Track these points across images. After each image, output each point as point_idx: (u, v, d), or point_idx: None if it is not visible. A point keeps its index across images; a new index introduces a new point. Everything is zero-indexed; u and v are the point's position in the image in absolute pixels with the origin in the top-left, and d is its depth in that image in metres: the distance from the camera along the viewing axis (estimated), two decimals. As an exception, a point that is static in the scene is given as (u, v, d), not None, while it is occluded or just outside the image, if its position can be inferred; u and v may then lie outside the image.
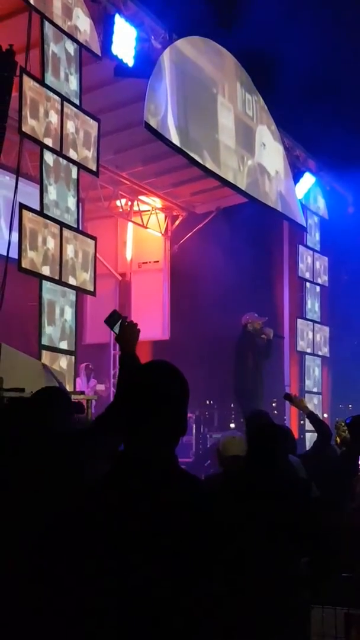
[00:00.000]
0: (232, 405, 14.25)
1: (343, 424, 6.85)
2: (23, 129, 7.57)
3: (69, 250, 8.26)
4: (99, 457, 2.83)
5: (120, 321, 3.43)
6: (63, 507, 2.18)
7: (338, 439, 6.76)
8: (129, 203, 14.98)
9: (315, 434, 6.81)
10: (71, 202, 8.42)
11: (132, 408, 2.06)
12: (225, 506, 2.38)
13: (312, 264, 14.42)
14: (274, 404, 13.10)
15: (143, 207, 15.28)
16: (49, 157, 8.05)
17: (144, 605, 1.83)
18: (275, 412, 12.95)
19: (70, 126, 8.31)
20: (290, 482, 3.43)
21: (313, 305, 14.46)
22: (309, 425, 12.08)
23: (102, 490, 2.00)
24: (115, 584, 1.85)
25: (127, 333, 3.41)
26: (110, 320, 3.47)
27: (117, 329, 3.42)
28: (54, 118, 8.05)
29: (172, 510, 1.91)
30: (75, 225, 8.47)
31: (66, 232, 8.20)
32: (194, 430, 12.42)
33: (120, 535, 1.87)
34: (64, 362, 8.08)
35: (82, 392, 9.55)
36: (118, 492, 1.95)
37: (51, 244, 7.97)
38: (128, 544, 1.86)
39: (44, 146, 7.94)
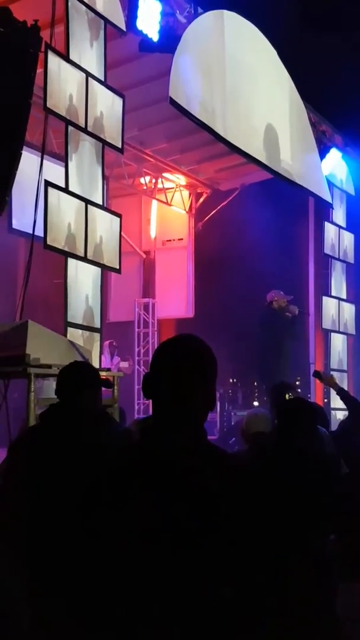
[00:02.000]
0: (255, 384, 14.29)
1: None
2: (48, 106, 7.57)
3: (94, 228, 8.27)
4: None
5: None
6: (98, 479, 2.19)
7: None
8: (153, 180, 14.97)
9: (340, 412, 6.85)
10: (96, 179, 8.42)
11: (161, 381, 2.05)
12: (253, 481, 2.39)
13: (338, 241, 14.31)
14: (297, 382, 13.09)
15: (167, 185, 15.27)
16: (73, 134, 8.04)
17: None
18: (299, 390, 12.94)
19: (94, 102, 8.29)
20: (318, 457, 3.43)
21: (339, 283, 14.37)
22: (334, 403, 12.13)
23: (132, 464, 2.01)
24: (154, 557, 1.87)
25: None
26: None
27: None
28: (78, 94, 8.03)
29: (205, 485, 1.91)
30: (101, 201, 8.47)
31: (91, 209, 8.21)
32: (218, 408, 12.50)
33: (157, 511, 1.88)
34: (89, 339, 8.11)
35: (108, 369, 9.60)
36: (150, 466, 1.95)
37: (76, 221, 7.99)
38: (164, 521, 1.87)
39: (68, 122, 7.93)
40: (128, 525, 1.92)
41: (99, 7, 8.36)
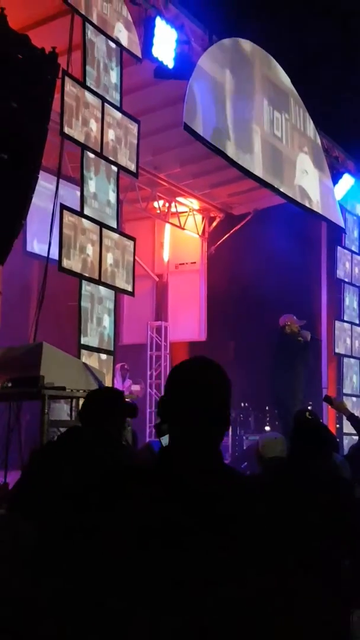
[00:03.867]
0: (267, 408, 14.23)
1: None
2: (64, 131, 7.64)
3: (109, 251, 8.31)
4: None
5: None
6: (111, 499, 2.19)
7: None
8: (167, 204, 15.02)
9: (352, 439, 6.81)
10: (111, 203, 8.47)
11: (178, 404, 2.06)
12: (271, 504, 2.39)
13: (351, 265, 14.33)
14: (310, 407, 13.03)
15: (180, 209, 15.31)
16: (89, 159, 8.11)
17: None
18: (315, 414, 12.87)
19: (110, 128, 8.36)
20: (334, 481, 3.42)
21: (352, 307, 14.36)
22: (346, 428, 12.07)
23: (149, 485, 2.01)
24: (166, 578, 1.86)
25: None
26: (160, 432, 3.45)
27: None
28: (94, 120, 8.10)
29: (221, 506, 1.92)
30: (115, 225, 8.52)
31: (106, 233, 8.26)
32: (230, 432, 12.42)
33: (173, 530, 1.88)
34: (102, 362, 8.13)
35: (122, 392, 9.60)
36: (166, 488, 1.96)
37: (91, 244, 8.03)
38: (181, 539, 1.87)
39: (84, 147, 8.00)
40: (140, 548, 1.93)
41: (116, 35, 8.46)
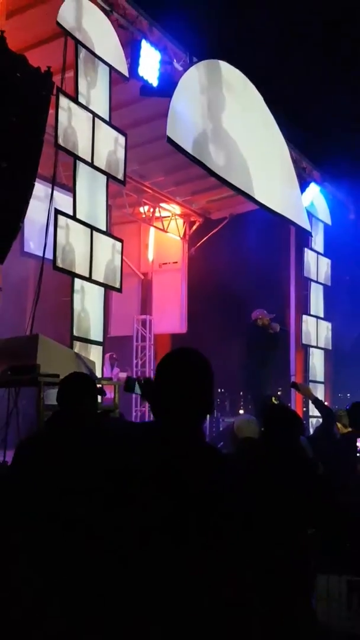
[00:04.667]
0: (241, 393, 14.28)
1: (343, 411, 6.89)
2: (58, 142, 7.60)
3: (99, 251, 8.29)
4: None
5: (136, 382, 3.37)
6: (107, 478, 2.18)
7: (339, 425, 6.79)
8: (151, 210, 15.00)
9: (317, 421, 6.86)
10: (101, 207, 8.45)
11: (165, 390, 2.06)
12: (244, 479, 2.39)
13: (317, 265, 14.38)
14: (279, 392, 13.08)
15: (164, 214, 15.29)
16: (81, 168, 8.08)
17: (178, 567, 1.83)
18: (281, 399, 12.93)
19: (100, 140, 8.33)
20: (299, 459, 3.44)
21: (317, 303, 14.41)
22: (312, 412, 12.13)
23: (140, 463, 2.01)
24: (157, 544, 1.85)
25: (149, 389, 3.36)
26: (128, 386, 3.41)
27: (137, 390, 3.36)
28: (86, 132, 8.07)
29: (204, 480, 1.91)
30: (105, 228, 8.50)
31: (96, 235, 8.23)
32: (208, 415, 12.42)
33: (161, 504, 1.88)
34: (92, 352, 8.11)
35: (109, 379, 9.59)
36: (155, 466, 1.95)
37: (82, 245, 8.00)
38: (163, 518, 1.87)
39: (76, 157, 7.97)
40: (127, 522, 1.92)
41: (105, 56, 8.43)
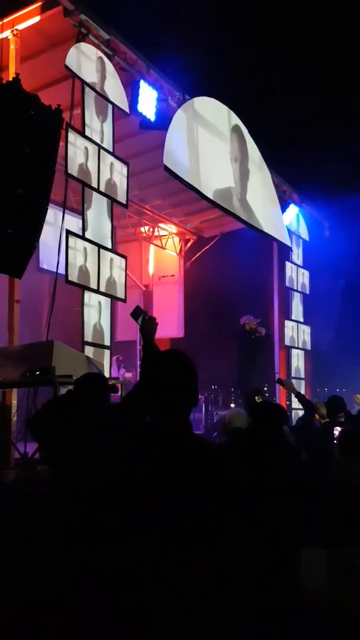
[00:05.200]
0: (232, 389, 14.23)
1: (321, 404, 6.87)
2: (68, 171, 7.61)
3: (105, 267, 8.28)
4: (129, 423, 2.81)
5: (142, 315, 3.36)
6: (110, 467, 2.17)
7: (317, 416, 6.77)
8: (151, 229, 15.00)
9: (299, 412, 6.85)
10: (107, 228, 8.45)
11: (155, 386, 2.06)
12: (234, 464, 2.38)
13: (296, 276, 14.38)
14: (265, 388, 13.05)
15: (162, 233, 15.30)
16: (88, 193, 8.08)
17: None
18: (267, 395, 12.89)
19: (105, 168, 8.34)
20: (285, 447, 3.42)
21: (297, 309, 14.42)
22: (294, 405, 12.11)
23: (138, 450, 2.00)
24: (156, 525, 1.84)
25: (148, 326, 3.31)
26: (135, 314, 3.40)
27: (140, 321, 3.35)
28: (92, 162, 8.08)
29: (193, 465, 1.91)
30: (110, 246, 8.50)
31: (103, 252, 8.23)
32: (203, 409, 12.40)
33: (159, 487, 1.87)
34: (101, 355, 8.10)
35: (116, 378, 9.57)
36: (151, 452, 1.95)
37: (91, 261, 8.00)
38: (164, 494, 1.86)
39: (84, 184, 7.97)
40: (125, 502, 1.91)
41: (108, 94, 8.45)
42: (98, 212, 8.26)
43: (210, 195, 10.29)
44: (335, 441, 4.81)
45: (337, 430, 5.29)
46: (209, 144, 10.44)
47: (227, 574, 1.83)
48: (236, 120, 11.41)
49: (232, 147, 11.15)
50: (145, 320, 3.28)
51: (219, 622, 1.80)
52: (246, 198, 11.43)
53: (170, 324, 15.05)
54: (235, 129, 11.41)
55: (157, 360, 2.15)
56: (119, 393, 6.99)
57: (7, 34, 7.62)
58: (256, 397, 7.09)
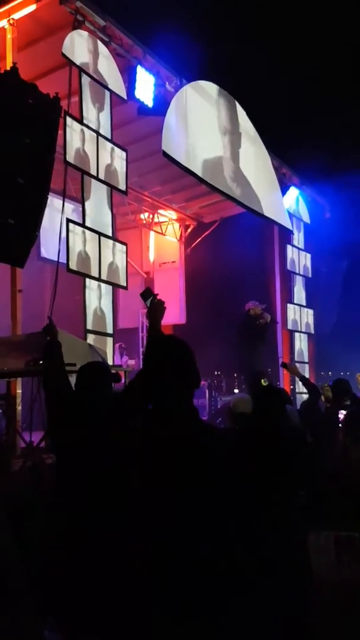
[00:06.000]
0: (235, 375, 14.27)
1: (327, 386, 6.89)
2: (67, 159, 7.60)
3: (106, 254, 8.29)
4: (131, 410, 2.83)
5: (152, 297, 3.33)
6: (113, 452, 2.20)
7: (324, 398, 6.79)
8: (151, 216, 14.97)
9: (303, 397, 6.86)
10: (107, 216, 8.45)
11: (154, 370, 2.09)
12: (241, 448, 2.40)
13: (298, 259, 14.37)
14: (269, 371, 13.07)
15: (162, 219, 15.27)
16: (88, 181, 8.07)
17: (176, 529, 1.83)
18: (270, 379, 12.91)
19: (104, 155, 8.32)
20: (290, 429, 3.45)
21: (299, 293, 14.42)
22: (298, 389, 12.15)
23: (140, 435, 2.02)
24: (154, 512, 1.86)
25: (156, 309, 3.30)
26: (145, 295, 3.37)
27: (149, 303, 3.32)
28: (91, 149, 8.06)
29: (197, 449, 1.92)
30: (111, 233, 8.50)
31: (103, 240, 8.23)
32: (207, 395, 12.44)
33: (159, 471, 1.89)
34: (103, 342, 8.13)
35: (119, 366, 9.60)
36: (153, 437, 1.97)
37: (91, 249, 8.01)
38: (165, 479, 1.88)
39: (83, 172, 7.96)
40: (127, 487, 1.94)
41: (106, 81, 8.42)
42: (98, 201, 8.25)
43: (208, 180, 10.24)
44: (340, 424, 4.85)
45: (342, 414, 5.32)
46: (206, 128, 10.38)
47: (234, 560, 1.86)
48: (236, 104, 11.31)
49: (231, 131, 11.07)
50: (153, 302, 3.27)
51: (226, 619, 1.82)
52: (246, 181, 11.38)
53: (171, 311, 14.88)
54: (235, 111, 11.30)
55: (153, 343, 2.19)
56: (123, 381, 7.04)
57: (3, 23, 7.59)
58: (262, 381, 7.12)
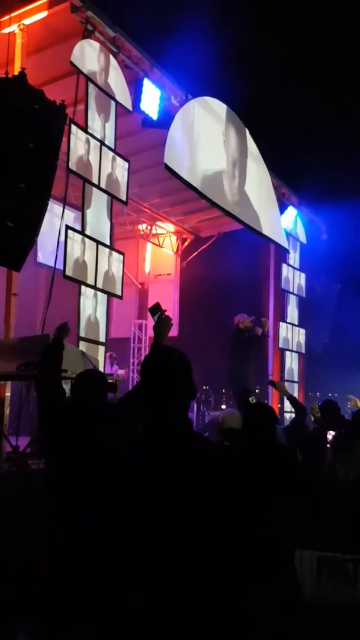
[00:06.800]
0: (223, 390, 14.27)
1: (316, 407, 6.89)
2: (70, 167, 7.62)
3: (103, 263, 8.30)
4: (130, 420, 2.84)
5: (160, 313, 3.33)
6: (109, 461, 2.20)
7: (312, 418, 6.78)
8: (149, 227, 15.02)
9: (291, 415, 6.85)
10: (105, 224, 8.46)
11: (152, 382, 2.09)
12: (236, 457, 2.40)
13: (293, 279, 14.43)
14: (257, 390, 13.08)
15: (159, 231, 15.33)
16: (89, 189, 8.09)
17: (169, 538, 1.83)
18: (256, 396, 12.91)
19: (106, 165, 8.35)
20: (279, 448, 3.46)
21: (292, 311, 14.46)
22: (286, 407, 12.15)
23: (138, 445, 2.03)
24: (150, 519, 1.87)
25: (162, 325, 3.28)
26: (153, 310, 3.37)
27: (156, 318, 3.31)
28: (93, 158, 8.09)
29: (191, 459, 1.93)
30: (108, 242, 8.51)
31: (101, 248, 8.24)
32: (195, 409, 12.42)
33: (155, 480, 1.89)
34: (95, 350, 8.11)
35: (111, 375, 9.58)
36: (150, 446, 1.97)
37: (89, 257, 8.01)
38: (160, 487, 1.88)
39: (85, 180, 7.98)
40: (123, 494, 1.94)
41: (112, 91, 8.47)
42: (97, 211, 8.27)
43: (209, 195, 10.28)
44: (328, 445, 4.85)
45: (330, 435, 5.32)
46: (210, 143, 10.44)
47: (226, 572, 1.86)
48: (238, 121, 11.39)
49: (233, 148, 11.14)
50: (161, 318, 3.27)
51: (217, 622, 1.82)
52: (245, 199, 11.44)
53: (165, 323, 15.04)
54: (237, 130, 11.38)
55: (152, 353, 2.20)
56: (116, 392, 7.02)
57: (14, 28, 7.63)
58: (250, 398, 7.12)
